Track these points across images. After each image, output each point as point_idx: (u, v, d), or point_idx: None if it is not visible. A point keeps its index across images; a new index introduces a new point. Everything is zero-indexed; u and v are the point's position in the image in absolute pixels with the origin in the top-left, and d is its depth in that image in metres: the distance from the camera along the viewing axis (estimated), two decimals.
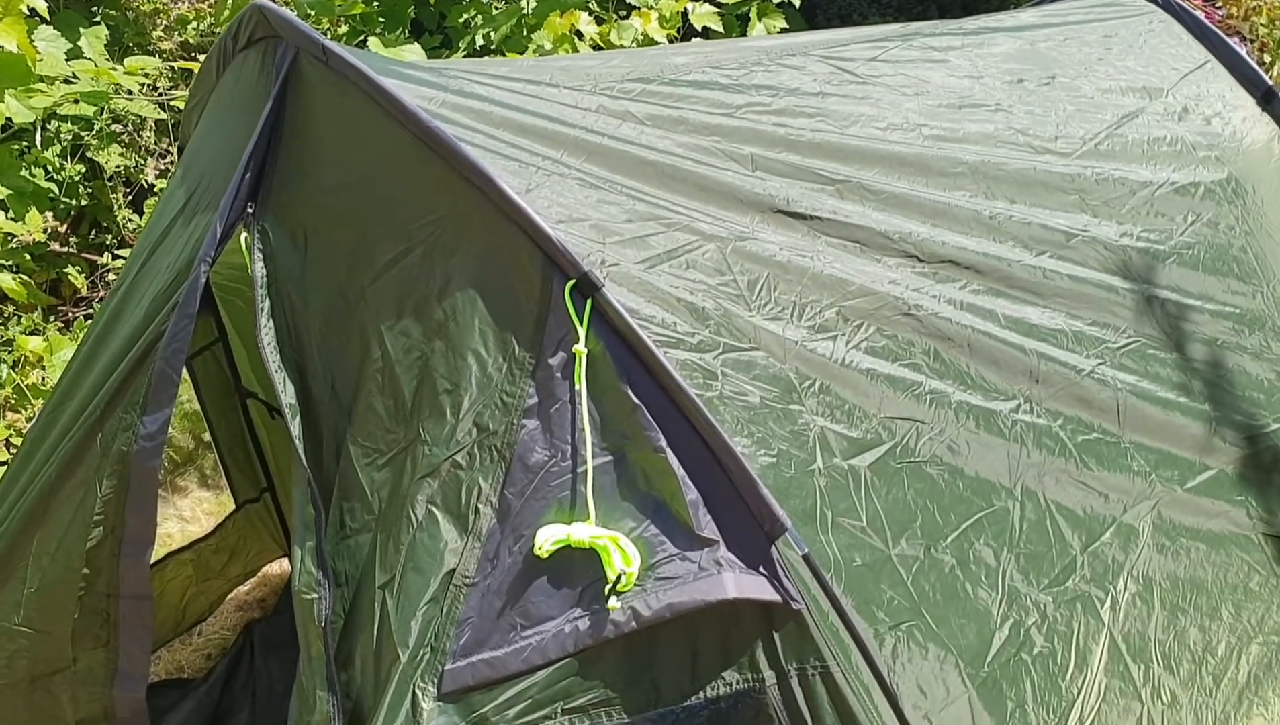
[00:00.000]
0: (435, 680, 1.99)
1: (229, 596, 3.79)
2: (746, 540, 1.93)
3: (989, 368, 2.59)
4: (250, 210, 2.19)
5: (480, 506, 2.00)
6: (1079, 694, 2.47)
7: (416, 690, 2.00)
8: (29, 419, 3.40)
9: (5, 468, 3.22)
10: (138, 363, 2.32)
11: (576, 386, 1.94)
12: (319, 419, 2.21)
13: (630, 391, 1.92)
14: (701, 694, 1.98)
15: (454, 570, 2.00)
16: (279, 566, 3.97)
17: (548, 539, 1.92)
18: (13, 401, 3.44)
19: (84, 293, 4.35)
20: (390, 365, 2.08)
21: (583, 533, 1.91)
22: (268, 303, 2.20)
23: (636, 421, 1.92)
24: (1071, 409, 2.72)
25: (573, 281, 1.93)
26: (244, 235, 2.21)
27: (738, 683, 1.98)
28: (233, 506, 3.66)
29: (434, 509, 2.02)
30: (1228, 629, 2.87)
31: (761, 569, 1.92)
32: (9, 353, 3.45)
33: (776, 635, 1.97)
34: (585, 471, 1.93)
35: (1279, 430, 3.15)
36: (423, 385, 2.05)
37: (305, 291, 2.18)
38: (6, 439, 3.35)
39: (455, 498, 2.01)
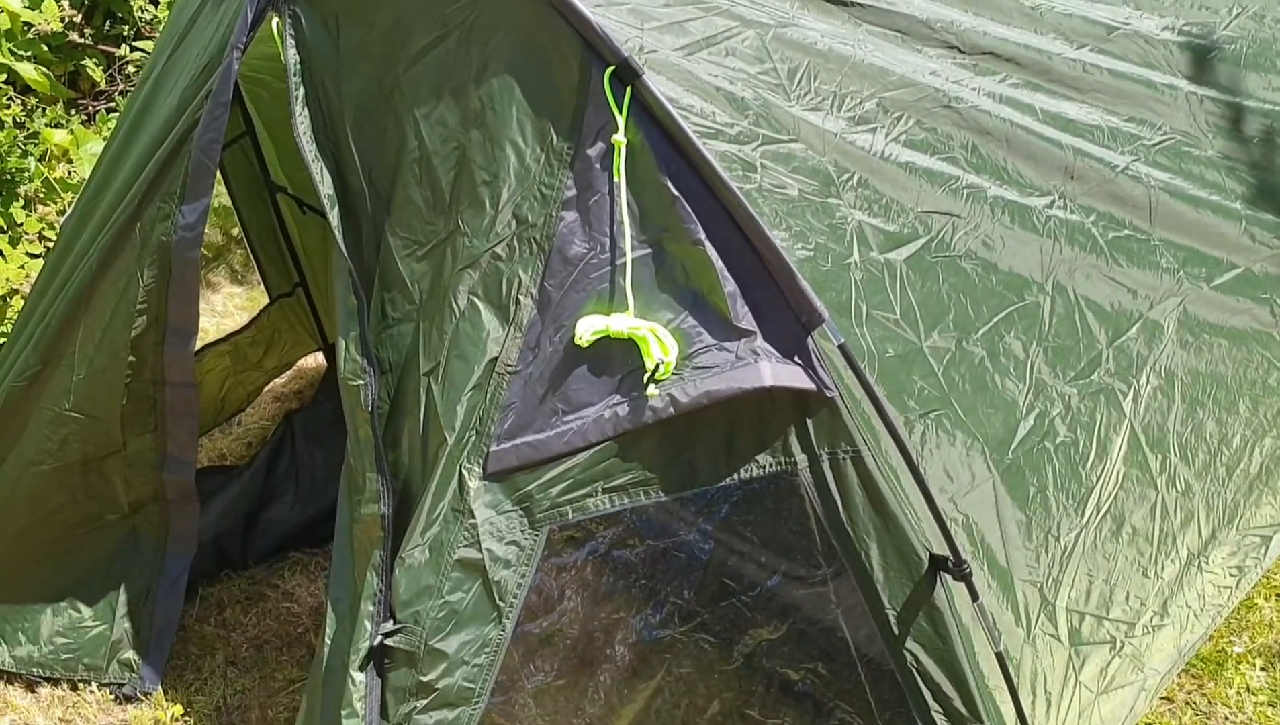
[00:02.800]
0: (481, 461, 2.06)
1: (266, 388, 3.90)
2: (783, 331, 1.96)
3: (1025, 163, 2.56)
4: None
5: (521, 297, 2.03)
6: (1098, 481, 2.54)
7: (463, 470, 2.07)
8: (60, 212, 3.41)
9: (42, 259, 3.26)
10: (173, 152, 2.32)
11: (615, 178, 1.93)
12: (357, 210, 2.22)
13: (670, 183, 1.92)
14: (736, 476, 2.05)
15: (496, 358, 2.05)
16: (314, 360, 4.05)
17: (587, 329, 1.96)
18: (41, 195, 3.45)
19: (102, 86, 4.29)
20: (427, 156, 2.08)
21: (621, 323, 1.95)
22: (302, 91, 2.18)
23: (676, 214, 1.93)
24: (1104, 205, 2.71)
25: (612, 68, 1.90)
26: (275, 20, 2.17)
27: (771, 465, 2.05)
28: (266, 301, 3.70)
29: (475, 300, 2.06)
30: (1244, 422, 2.93)
31: (797, 358, 1.96)
32: (35, 146, 3.43)
33: (810, 422, 2.03)
34: (624, 264, 1.95)
35: None
36: (460, 176, 2.05)
37: (339, 80, 2.16)
38: (39, 232, 3.37)
39: (496, 289, 2.04)
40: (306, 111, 2.18)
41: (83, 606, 2.92)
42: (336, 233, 2.17)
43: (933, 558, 2.11)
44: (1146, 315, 2.74)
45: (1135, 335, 2.71)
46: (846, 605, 2.16)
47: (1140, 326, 2.72)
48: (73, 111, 3.97)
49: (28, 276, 3.24)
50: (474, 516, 2.07)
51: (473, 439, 2.07)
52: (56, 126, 3.50)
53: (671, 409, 1.97)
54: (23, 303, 3.29)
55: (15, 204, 3.36)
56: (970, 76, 2.54)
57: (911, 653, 2.17)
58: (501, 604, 2.08)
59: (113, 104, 4.18)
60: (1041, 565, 2.39)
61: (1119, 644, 2.55)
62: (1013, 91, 2.60)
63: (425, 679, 2.10)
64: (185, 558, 2.91)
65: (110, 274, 2.46)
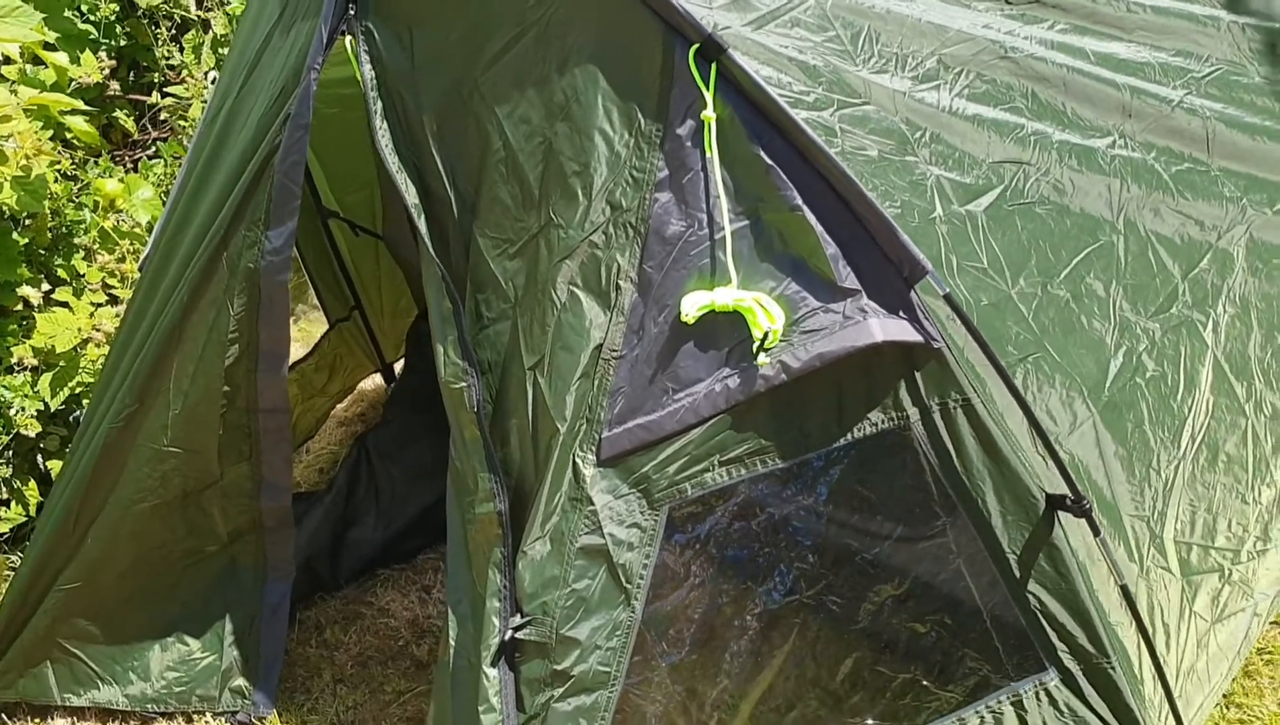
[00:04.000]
0: (594, 448, 2.09)
1: (331, 414, 3.93)
2: (886, 287, 1.98)
3: (1084, 105, 2.59)
4: (352, 11, 2.17)
5: (621, 282, 2.05)
6: (1189, 412, 2.56)
7: (576, 459, 2.10)
8: (119, 260, 3.45)
9: (107, 307, 3.31)
10: (255, 179, 2.35)
11: (708, 153, 1.96)
12: (443, 216, 2.24)
13: (763, 153, 1.94)
14: (849, 436, 2.07)
15: (601, 345, 2.07)
16: (372, 383, 4.09)
17: (693, 306, 1.98)
18: (98, 245, 3.48)
19: (135, 135, 4.33)
20: (513, 154, 2.11)
21: (726, 297, 1.97)
22: (380, 104, 2.21)
23: (771, 182, 1.95)
24: (1163, 140, 2.73)
25: (696, 46, 1.93)
26: (348, 39, 2.20)
27: (882, 422, 2.07)
28: (325, 327, 3.74)
29: (575, 289, 2.08)
30: None
31: (902, 313, 1.98)
32: (87, 197, 3.47)
33: (918, 374, 2.06)
34: (723, 237, 1.97)
35: None
36: (548, 170, 2.08)
37: (416, 90, 2.19)
38: (102, 281, 3.41)
39: (595, 276, 2.07)
40: (386, 124, 2.21)
41: (190, 639, 2.95)
42: (425, 240, 2.20)
43: (1049, 497, 2.13)
44: (1215, 245, 2.76)
45: (1207, 266, 2.73)
46: (966, 554, 2.18)
47: (1211, 257, 2.74)
48: (113, 162, 4.01)
49: (96, 325, 3.28)
50: (593, 503, 2.09)
51: (584, 427, 2.10)
52: (105, 176, 3.53)
53: (784, 375, 1.99)
54: (95, 350, 3.34)
55: (76, 256, 3.40)
56: (1020, 26, 2.56)
57: (1034, 594, 2.19)
58: (629, 586, 2.11)
59: (151, 150, 4.22)
60: (1146, 499, 2.41)
61: (1227, 572, 2.56)
62: (1062, 37, 2.62)
63: (560, 667, 2.12)
64: (285, 583, 2.94)
65: (200, 306, 2.49)
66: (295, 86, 2.25)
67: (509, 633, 2.13)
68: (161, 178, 3.73)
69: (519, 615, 2.14)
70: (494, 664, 2.17)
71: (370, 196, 3.56)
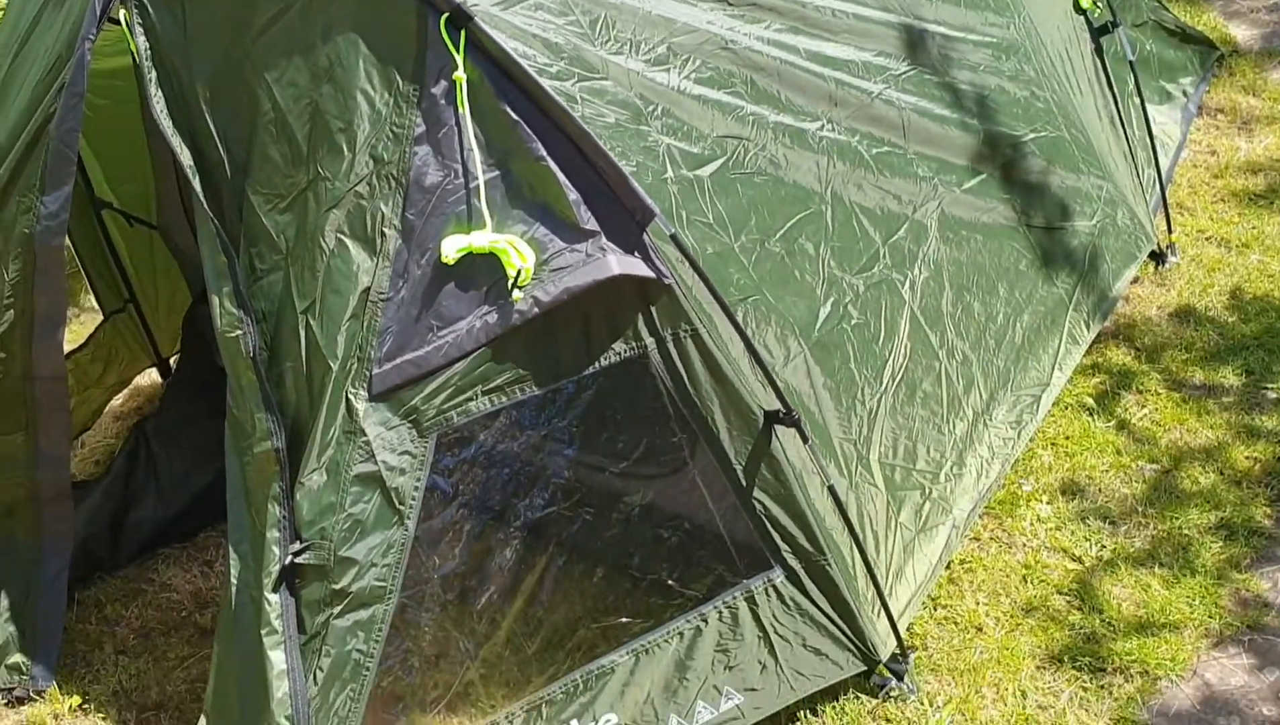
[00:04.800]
0: (365, 384, 2.30)
1: (106, 408, 3.95)
2: (621, 230, 2.28)
3: (796, 93, 2.98)
4: None
5: (385, 230, 2.28)
6: (889, 355, 2.97)
7: (349, 395, 2.30)
8: None
9: None
10: (29, 147, 2.46)
11: (460, 110, 2.22)
12: (216, 179, 2.41)
13: (509, 109, 2.22)
14: (596, 364, 2.36)
15: (369, 288, 2.29)
16: (148, 378, 4.13)
17: (452, 247, 2.23)
18: None
19: None
20: (282, 115, 2.31)
21: (482, 239, 2.23)
22: (154, 74, 2.37)
23: (518, 136, 2.23)
24: (865, 126, 3.15)
25: (446, 15, 2.19)
26: (123, 13, 2.35)
27: (624, 351, 2.37)
28: (100, 318, 3.78)
29: (343, 237, 2.29)
30: (1004, 302, 3.44)
31: (636, 253, 2.29)
32: None
33: (653, 308, 2.36)
34: (477, 186, 2.23)
35: (1034, 139, 3.70)
36: (315, 128, 2.29)
37: (189, 60, 2.36)
38: None
39: (361, 224, 2.28)
40: (160, 92, 2.37)
41: None
42: (200, 199, 2.37)
43: (766, 414, 2.47)
44: (911, 217, 3.20)
45: (904, 234, 3.17)
46: (700, 467, 2.50)
47: (907, 227, 3.18)
48: None
49: None
50: (365, 434, 2.30)
51: (355, 366, 2.30)
52: None
53: (536, 309, 2.26)
54: None
55: None
56: (740, 24, 2.93)
57: (759, 500, 2.53)
58: (402, 508, 2.32)
59: None
60: (853, 425, 2.80)
61: (927, 490, 2.98)
62: (778, 35, 3.00)
63: (338, 586, 2.31)
64: (63, 556, 2.99)
65: None
66: (70, 56, 2.38)
67: (289, 558, 2.30)
68: None
69: (298, 542, 2.32)
70: (275, 590, 2.33)
71: (145, 188, 3.63)
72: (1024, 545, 3.16)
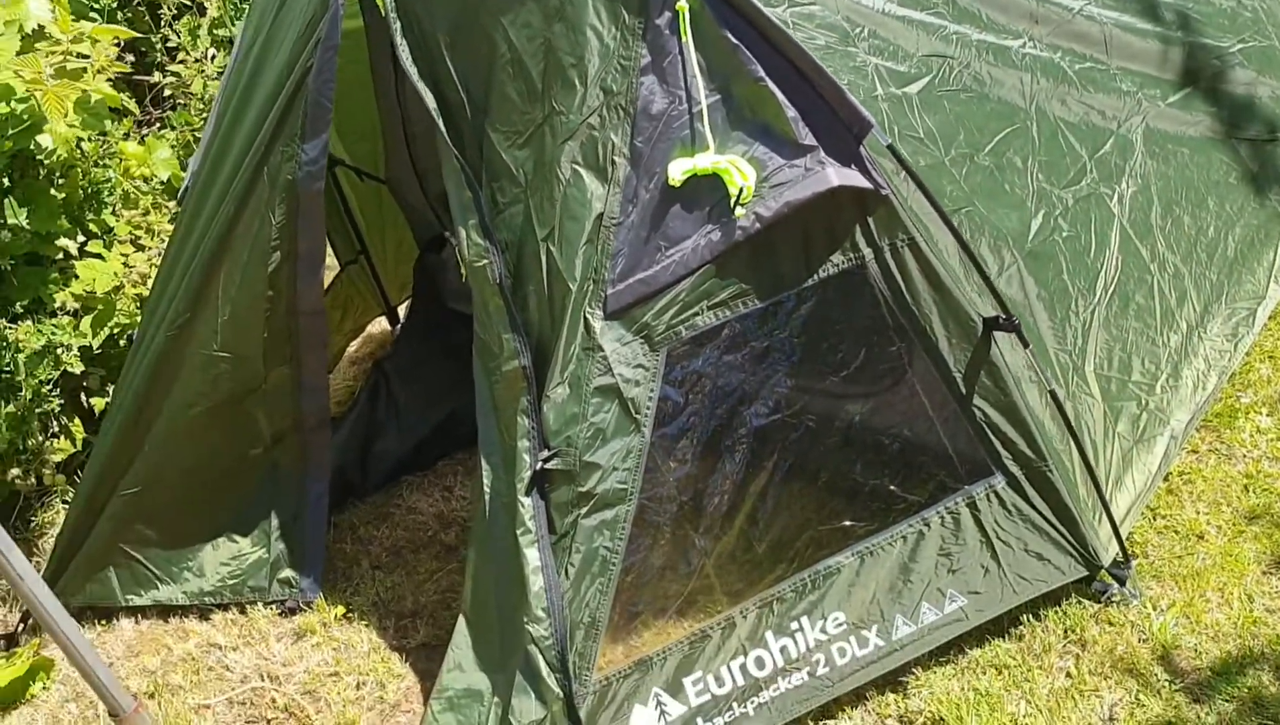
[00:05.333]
0: (601, 304, 2.47)
1: (344, 353, 4.28)
2: (838, 144, 2.38)
3: (997, 12, 3.02)
4: None
5: (615, 158, 2.44)
6: (1101, 268, 2.99)
7: (586, 314, 2.48)
8: (143, 214, 3.79)
9: (142, 252, 3.65)
10: (291, 99, 2.71)
11: (683, 39, 2.35)
12: (458, 120, 2.61)
13: (729, 34, 2.34)
14: (815, 276, 2.47)
15: (601, 214, 2.45)
16: (378, 326, 4.45)
17: (678, 170, 2.37)
18: (123, 201, 3.82)
19: (137, 115, 4.66)
20: (518, 55, 2.48)
21: (706, 161, 2.37)
22: (399, 24, 2.58)
23: (738, 60, 2.35)
24: (1067, 43, 3.17)
25: None
26: None
27: (842, 262, 2.48)
28: (337, 269, 4.10)
29: (577, 167, 2.46)
30: (1214, 216, 3.39)
31: (853, 165, 2.39)
32: (113, 160, 3.81)
33: (870, 220, 2.46)
34: (700, 110, 2.37)
35: (1241, 50, 3.61)
36: (549, 66, 2.46)
37: (431, 9, 2.56)
38: (130, 235, 3.74)
39: (593, 154, 2.45)
40: (405, 41, 2.58)
41: (239, 537, 3.30)
42: (445, 139, 2.57)
43: (985, 320, 2.54)
44: (1116, 132, 3.20)
45: (1110, 149, 3.17)
46: (920, 375, 2.59)
47: (1113, 142, 3.18)
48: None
49: (130, 268, 3.62)
50: (603, 350, 2.47)
51: (591, 287, 2.48)
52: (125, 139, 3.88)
53: (758, 225, 2.39)
54: (131, 289, 3.67)
55: (105, 211, 3.74)
56: None
57: (979, 408, 2.60)
58: (638, 416, 2.49)
59: (156, 125, 4.55)
60: (1068, 336, 2.83)
61: (1144, 401, 2.99)
62: None
63: (584, 489, 2.49)
64: (324, 480, 3.28)
65: (244, 218, 2.84)
66: (324, 13, 2.62)
67: (539, 465, 2.50)
68: (174, 142, 4.07)
69: (546, 450, 2.51)
70: (527, 494, 2.53)
71: (373, 146, 3.91)
72: (1244, 456, 3.13)
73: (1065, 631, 2.74)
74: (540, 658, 2.50)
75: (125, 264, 3.63)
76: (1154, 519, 3.00)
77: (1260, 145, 3.56)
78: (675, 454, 2.54)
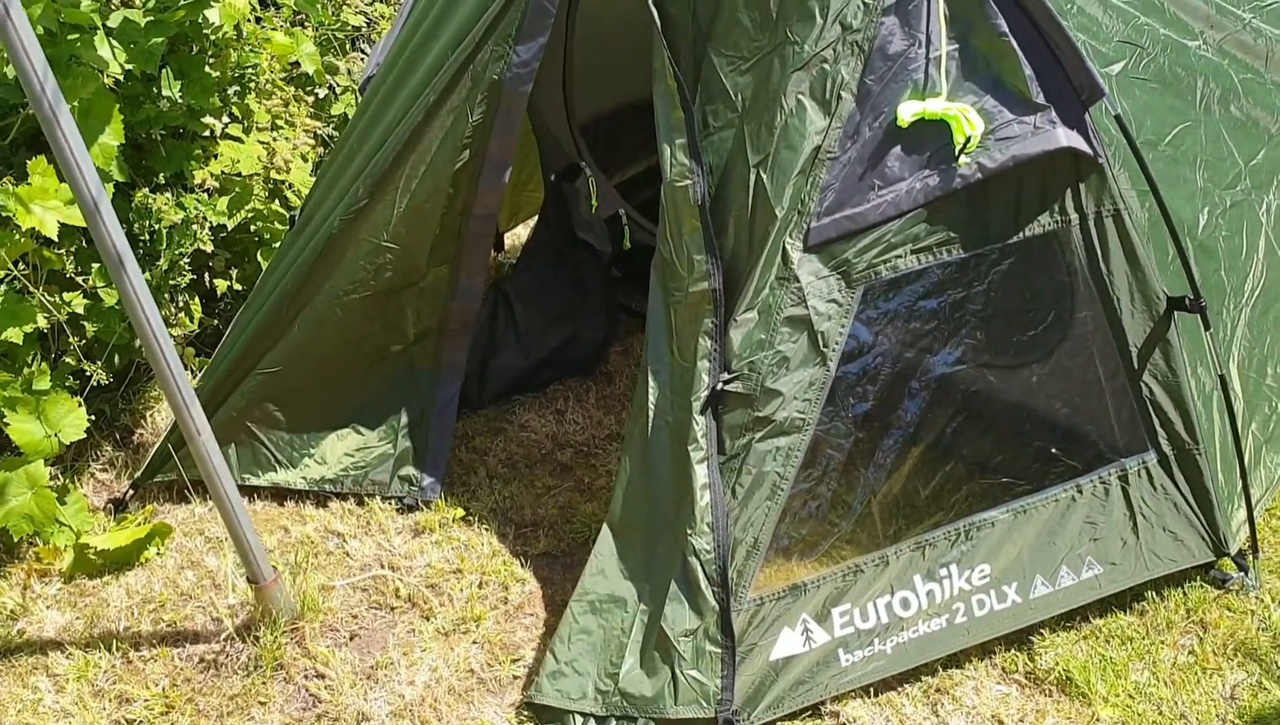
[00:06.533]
0: (803, 236, 2.52)
1: None
2: (1067, 106, 2.45)
3: (1179, 9, 3.09)
4: None
5: (842, 93, 2.49)
6: (1249, 271, 3.07)
7: (786, 245, 2.53)
8: (284, 104, 3.80)
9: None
10: (508, 1, 2.74)
11: None
12: (678, 41, 2.65)
13: None
14: (1022, 233, 2.54)
15: (819, 147, 2.50)
16: None
17: (908, 111, 2.43)
18: (267, 89, 3.83)
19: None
20: None
21: (937, 106, 2.43)
22: None
23: (983, 11, 2.41)
24: (1235, 50, 3.24)
25: None
26: None
27: (1049, 224, 2.55)
28: None
29: (802, 98, 2.51)
30: None
31: (1076, 129, 2.46)
32: (259, 47, 3.80)
33: (1082, 185, 2.53)
34: (938, 56, 2.43)
35: None
36: None
37: None
38: (271, 121, 3.75)
39: (820, 87, 2.50)
40: None
41: (365, 430, 3.33)
42: (666, 56, 2.61)
43: (1170, 299, 2.62)
44: (1267, 144, 3.28)
45: (1262, 160, 3.25)
46: (1098, 344, 2.67)
47: (1265, 153, 3.26)
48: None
49: (271, 157, 3.63)
50: (799, 281, 2.53)
51: (795, 218, 2.53)
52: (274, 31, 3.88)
53: (980, 175, 2.45)
54: (260, 183, 3.69)
55: (250, 96, 3.74)
56: None
57: (1147, 384, 2.68)
58: (826, 350, 2.55)
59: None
60: (1220, 330, 2.92)
61: (1275, 404, 3.08)
62: None
63: (761, 414, 2.55)
64: (455, 384, 3.32)
65: (441, 113, 2.87)
66: None
67: (719, 385, 2.56)
68: (314, 36, 4.08)
69: (727, 373, 2.57)
70: (702, 412, 2.58)
71: None
72: None
73: (1187, 612, 2.84)
74: (700, 570, 2.56)
75: (268, 150, 3.63)
76: (1269, 518, 3.11)
77: None
78: (857, 391, 2.60)
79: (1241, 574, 2.87)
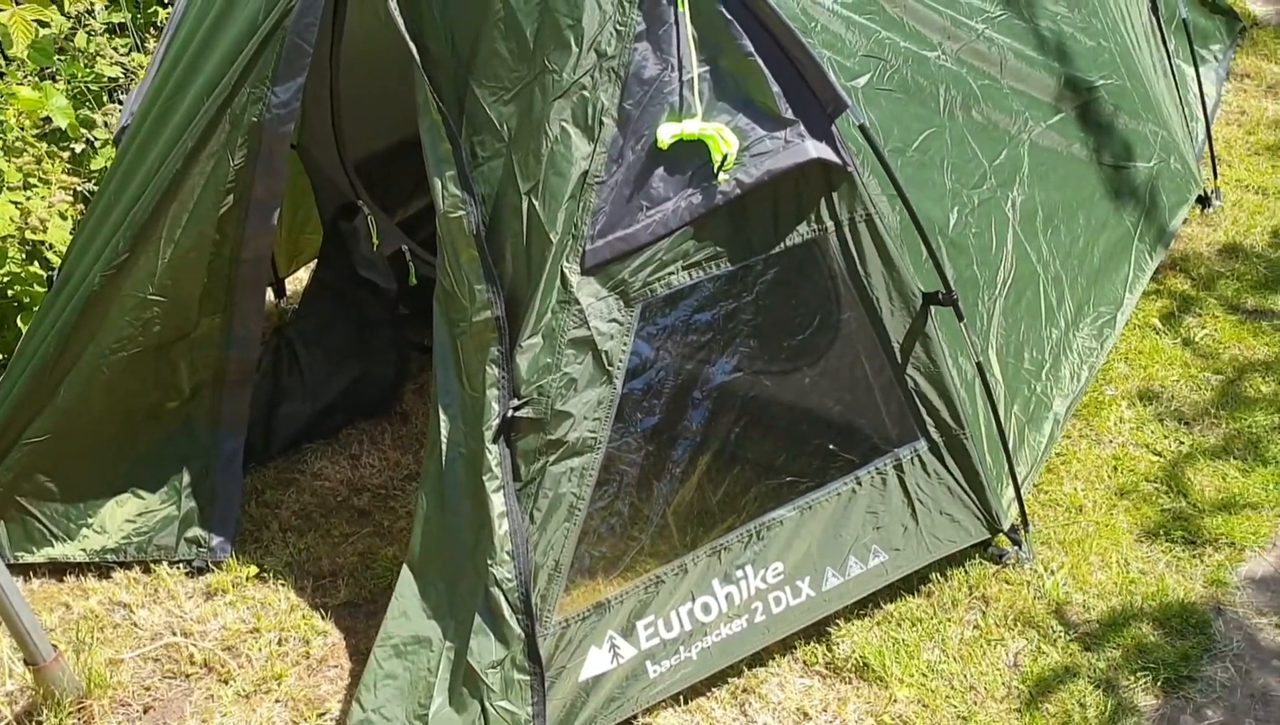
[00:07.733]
0: (579, 259, 2.57)
1: None
2: (813, 119, 2.57)
3: (918, 23, 3.29)
4: None
5: (603, 119, 2.54)
6: (999, 264, 3.29)
7: (564, 269, 2.57)
8: (36, 161, 3.62)
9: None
10: (264, 41, 2.69)
11: (679, 9, 2.50)
12: (438, 74, 2.66)
13: (723, 8, 2.50)
14: (782, 244, 2.65)
15: (586, 172, 2.55)
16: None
17: (667, 133, 2.51)
18: (16, 147, 3.64)
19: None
20: (512, 13, 2.56)
21: (693, 127, 2.51)
22: None
23: (729, 34, 2.51)
24: (971, 60, 3.48)
25: None
26: None
27: (807, 233, 2.66)
28: None
29: (565, 125, 2.56)
30: (1083, 229, 3.78)
31: (824, 140, 2.58)
32: (4, 103, 3.62)
33: (834, 194, 2.66)
34: (691, 78, 2.51)
35: (1103, 85, 4.04)
36: (544, 26, 2.55)
37: None
38: (22, 181, 3.56)
39: (583, 114, 2.55)
40: None
41: (146, 493, 3.19)
42: (428, 91, 2.61)
43: (925, 295, 2.78)
44: (1007, 145, 3.53)
45: (1004, 160, 3.49)
46: (863, 343, 2.80)
47: (1006, 153, 3.50)
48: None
49: (25, 217, 3.45)
50: (579, 303, 2.56)
51: (570, 242, 2.57)
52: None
53: (738, 190, 2.54)
54: (15, 245, 3.50)
55: None
56: None
57: (911, 376, 2.83)
58: (611, 368, 2.59)
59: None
60: (977, 321, 3.11)
61: (1032, 386, 3.30)
62: None
63: (553, 437, 2.57)
64: (239, 437, 3.22)
65: (200, 158, 2.78)
66: None
67: (510, 412, 2.56)
68: (67, 90, 3.89)
69: (516, 399, 2.58)
70: (494, 441, 2.59)
71: None
72: (1110, 441, 3.50)
73: (970, 589, 3.00)
74: (503, 599, 2.56)
75: (21, 210, 3.45)
76: (1038, 494, 3.32)
77: (1117, 170, 3.99)
78: (642, 406, 2.65)
79: (1016, 548, 3.06)
